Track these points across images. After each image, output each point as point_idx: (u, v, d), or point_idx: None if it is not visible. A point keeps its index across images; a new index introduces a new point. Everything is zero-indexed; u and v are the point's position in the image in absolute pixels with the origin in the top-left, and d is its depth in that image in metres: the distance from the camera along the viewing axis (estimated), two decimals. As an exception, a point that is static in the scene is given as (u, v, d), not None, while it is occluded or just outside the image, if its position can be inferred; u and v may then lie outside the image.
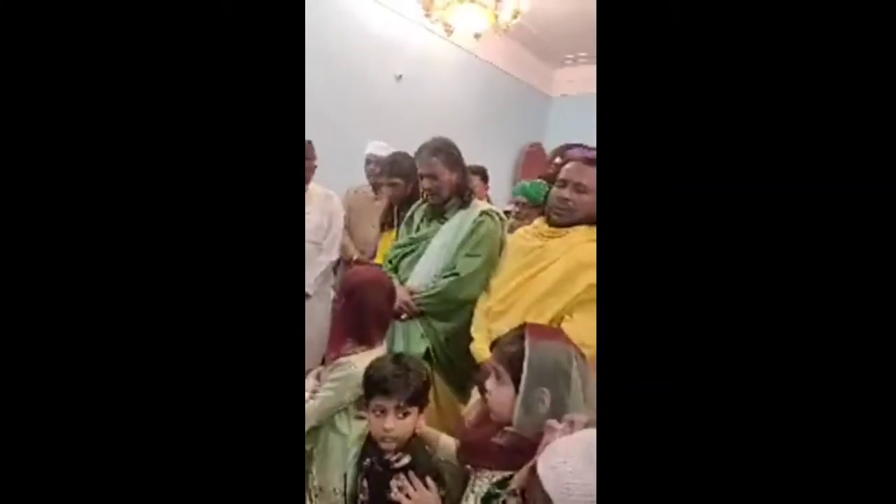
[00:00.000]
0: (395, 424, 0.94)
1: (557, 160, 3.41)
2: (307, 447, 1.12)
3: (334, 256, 2.15)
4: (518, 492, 0.69)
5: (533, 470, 0.58)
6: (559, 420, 0.67)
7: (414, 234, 1.59)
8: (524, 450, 0.74)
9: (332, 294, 2.18)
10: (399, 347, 1.41)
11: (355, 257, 2.20)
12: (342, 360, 1.11)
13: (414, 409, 0.97)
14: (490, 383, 0.86)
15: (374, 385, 0.96)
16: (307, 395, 1.13)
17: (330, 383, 1.10)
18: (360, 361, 1.07)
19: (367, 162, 2.35)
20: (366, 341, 1.15)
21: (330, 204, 2.13)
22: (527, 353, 0.81)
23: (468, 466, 0.89)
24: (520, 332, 0.86)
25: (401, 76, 3.35)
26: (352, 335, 1.15)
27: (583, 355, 0.84)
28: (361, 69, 3.13)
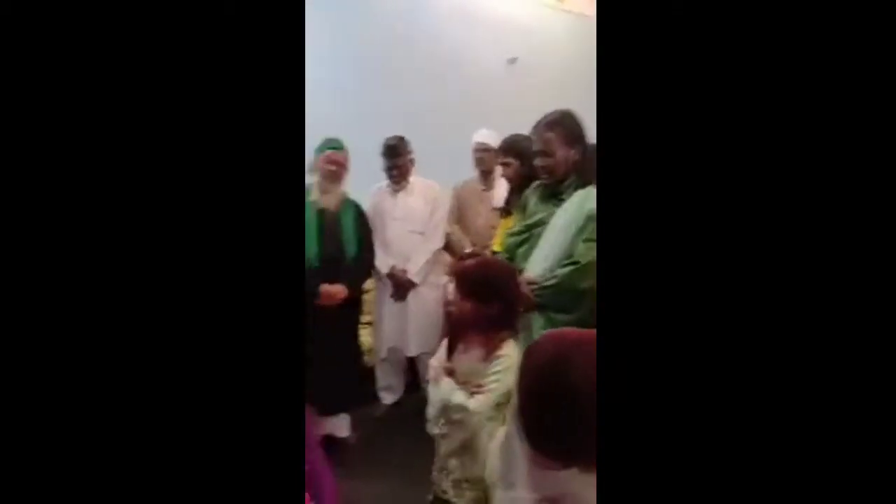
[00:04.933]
0: None
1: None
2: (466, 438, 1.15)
3: (438, 244, 2.20)
4: None
5: None
6: None
7: (528, 220, 1.48)
8: None
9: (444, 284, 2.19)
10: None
11: (468, 250, 2.17)
12: (500, 353, 1.16)
13: None
14: None
15: None
16: (455, 386, 1.16)
17: (495, 376, 1.14)
18: (514, 351, 1.14)
19: (476, 151, 2.30)
20: (515, 330, 1.22)
21: (432, 192, 2.21)
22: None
23: None
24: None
25: (515, 59, 3.21)
26: (505, 328, 1.19)
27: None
28: (470, 55, 3.07)
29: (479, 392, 1.14)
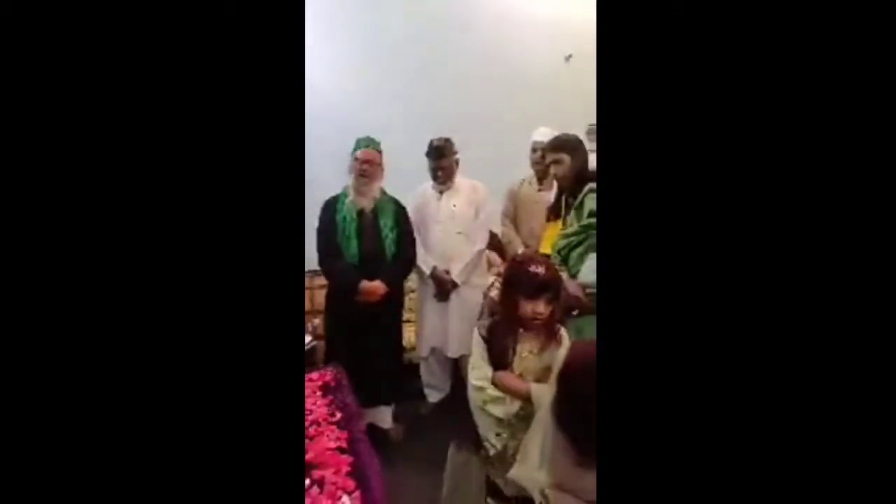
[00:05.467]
0: None
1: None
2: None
3: (482, 245, 2.18)
4: None
5: None
6: None
7: (585, 221, 1.44)
8: None
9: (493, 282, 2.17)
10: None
11: (520, 250, 2.14)
12: (564, 340, 1.27)
13: None
14: None
15: None
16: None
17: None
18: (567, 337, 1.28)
19: (533, 150, 2.27)
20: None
21: (476, 193, 2.18)
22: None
23: None
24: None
25: (570, 56, 3.14)
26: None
27: None
28: (525, 53, 3.03)
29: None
